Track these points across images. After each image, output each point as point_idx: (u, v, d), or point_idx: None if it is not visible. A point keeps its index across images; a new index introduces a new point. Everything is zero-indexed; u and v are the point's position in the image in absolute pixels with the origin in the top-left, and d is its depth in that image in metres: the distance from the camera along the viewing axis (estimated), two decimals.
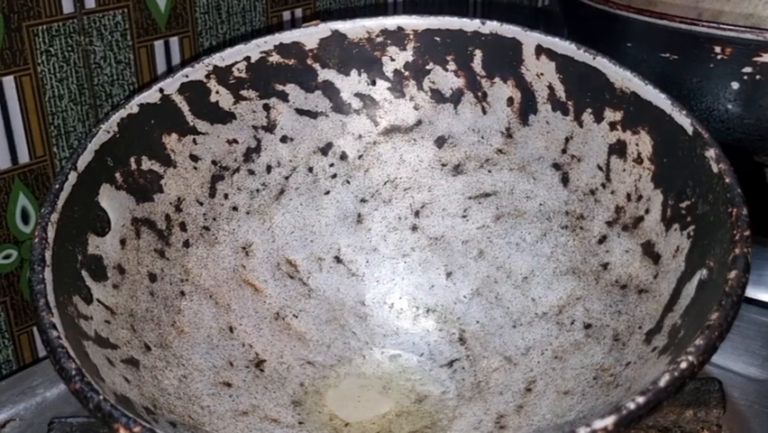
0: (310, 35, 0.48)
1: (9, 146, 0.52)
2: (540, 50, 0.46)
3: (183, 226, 0.46)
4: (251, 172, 0.49)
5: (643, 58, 0.56)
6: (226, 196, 0.48)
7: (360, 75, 0.50)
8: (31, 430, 0.47)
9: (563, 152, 0.47)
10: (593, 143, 0.45)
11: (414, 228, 0.51)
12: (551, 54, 0.45)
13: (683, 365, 0.31)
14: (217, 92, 0.47)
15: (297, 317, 0.48)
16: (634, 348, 0.39)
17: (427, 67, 0.49)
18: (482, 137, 0.49)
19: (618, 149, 0.44)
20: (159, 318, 0.43)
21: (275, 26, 0.65)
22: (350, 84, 0.50)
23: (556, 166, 0.47)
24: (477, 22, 0.47)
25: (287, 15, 0.65)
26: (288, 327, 0.48)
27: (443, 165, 0.50)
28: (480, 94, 0.48)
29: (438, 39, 0.48)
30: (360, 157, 0.51)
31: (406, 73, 0.50)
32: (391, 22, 0.49)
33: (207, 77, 0.47)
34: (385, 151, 0.51)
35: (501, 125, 0.48)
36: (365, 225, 0.51)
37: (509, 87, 0.48)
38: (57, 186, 0.40)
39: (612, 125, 0.44)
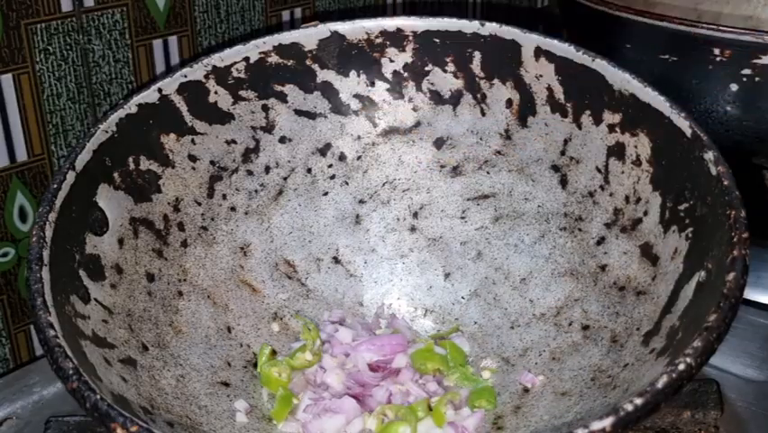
0: (309, 36, 0.48)
1: (7, 144, 0.51)
2: (539, 51, 0.46)
3: (181, 226, 0.46)
4: (250, 173, 0.49)
5: (642, 59, 0.56)
6: (224, 196, 0.48)
7: (359, 76, 0.50)
8: (28, 429, 0.47)
9: (562, 153, 0.47)
10: (592, 145, 0.45)
11: (412, 229, 0.51)
12: (550, 56, 0.45)
13: (681, 367, 0.31)
14: (216, 92, 0.47)
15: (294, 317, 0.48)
16: (632, 350, 0.39)
17: (426, 68, 0.49)
18: (481, 139, 0.49)
19: (617, 151, 0.44)
20: (156, 318, 0.43)
21: (274, 26, 0.65)
22: (349, 85, 0.50)
23: (555, 168, 0.47)
24: (476, 23, 0.47)
25: (286, 15, 0.65)
26: (287, 327, 0.48)
27: (442, 166, 0.50)
28: (478, 95, 0.48)
29: (437, 40, 0.48)
30: (358, 158, 0.51)
31: (406, 74, 0.50)
32: (390, 23, 0.49)
33: (206, 77, 0.47)
34: (384, 152, 0.51)
35: (500, 127, 0.48)
36: (363, 226, 0.51)
37: (508, 88, 0.48)
38: (55, 185, 0.40)
39: (611, 127, 0.44)
